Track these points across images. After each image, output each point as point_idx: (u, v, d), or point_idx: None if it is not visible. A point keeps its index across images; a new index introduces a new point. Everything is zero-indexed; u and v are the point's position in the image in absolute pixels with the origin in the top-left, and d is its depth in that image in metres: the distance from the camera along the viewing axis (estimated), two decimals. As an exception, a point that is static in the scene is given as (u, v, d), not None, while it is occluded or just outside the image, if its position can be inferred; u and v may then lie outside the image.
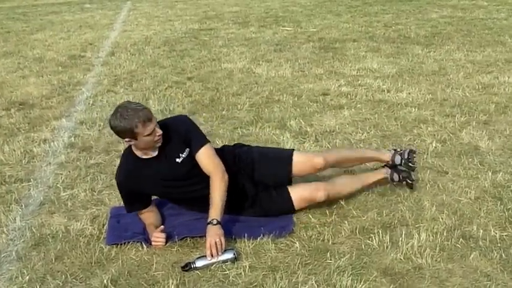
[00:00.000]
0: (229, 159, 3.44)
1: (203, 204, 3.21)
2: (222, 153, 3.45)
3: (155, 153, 3.25)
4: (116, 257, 3.10)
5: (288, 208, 3.46)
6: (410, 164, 3.67)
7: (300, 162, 3.48)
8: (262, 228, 3.25)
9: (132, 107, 3.11)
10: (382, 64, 7.06)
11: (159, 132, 3.15)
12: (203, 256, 3.01)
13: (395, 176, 3.68)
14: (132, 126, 3.06)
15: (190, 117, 3.52)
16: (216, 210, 3.13)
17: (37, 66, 7.83)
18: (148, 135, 3.10)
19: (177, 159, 3.25)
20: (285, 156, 3.52)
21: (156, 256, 3.09)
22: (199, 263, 2.97)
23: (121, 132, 3.12)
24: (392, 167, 3.75)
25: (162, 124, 3.25)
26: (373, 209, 3.48)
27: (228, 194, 3.26)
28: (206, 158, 3.27)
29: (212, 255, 2.98)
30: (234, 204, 3.39)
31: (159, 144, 3.21)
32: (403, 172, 3.67)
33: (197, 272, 2.93)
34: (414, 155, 3.74)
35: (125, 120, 3.06)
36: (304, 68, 7.09)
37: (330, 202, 3.57)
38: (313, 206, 3.56)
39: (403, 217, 3.38)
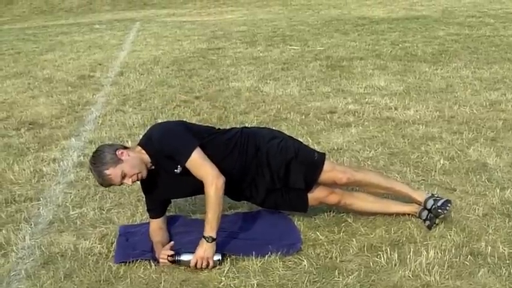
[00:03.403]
0: (250, 150, 3.42)
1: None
2: (242, 140, 3.44)
3: (153, 167, 3.32)
4: (124, 275, 3.11)
5: (301, 209, 3.55)
6: (439, 211, 3.42)
7: (324, 171, 3.48)
8: (270, 246, 3.25)
9: (95, 177, 3.29)
10: (389, 82, 7.08)
11: (128, 182, 3.24)
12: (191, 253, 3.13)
13: (424, 214, 3.50)
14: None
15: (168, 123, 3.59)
16: (211, 224, 3.13)
17: (47, 86, 7.89)
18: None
19: (176, 170, 3.28)
20: (317, 163, 3.50)
21: (164, 274, 3.10)
22: (184, 257, 3.14)
23: None
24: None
25: (147, 141, 3.33)
26: (381, 227, 3.48)
27: (242, 184, 3.40)
28: (193, 169, 3.21)
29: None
30: (246, 194, 3.52)
31: (139, 179, 3.29)
32: (430, 214, 3.46)
33: (205, 290, 2.95)
34: (449, 205, 3.46)
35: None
36: (311, 86, 7.11)
37: (337, 220, 3.59)
38: (321, 223, 3.57)
39: (411, 234, 3.37)
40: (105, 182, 3.25)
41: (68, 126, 6.00)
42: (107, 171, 3.17)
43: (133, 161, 3.23)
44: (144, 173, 3.26)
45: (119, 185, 3.34)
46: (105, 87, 7.72)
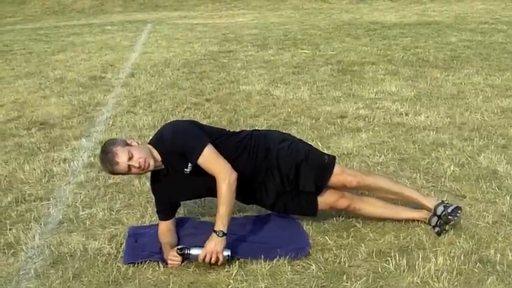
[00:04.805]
0: (260, 153, 3.43)
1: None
2: (252, 143, 3.45)
3: (162, 167, 3.33)
4: (133, 276, 3.12)
5: (311, 213, 3.56)
6: (449, 217, 3.39)
7: (334, 174, 3.49)
8: (278, 250, 3.25)
9: (102, 158, 3.30)
10: (401, 87, 7.06)
11: (135, 164, 3.20)
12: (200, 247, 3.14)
13: (433, 221, 3.47)
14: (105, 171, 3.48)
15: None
16: (222, 219, 3.13)
17: (58, 86, 7.93)
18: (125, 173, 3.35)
19: (186, 170, 3.28)
20: (327, 166, 3.51)
21: (172, 276, 3.11)
22: (194, 251, 3.15)
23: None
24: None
25: (158, 140, 3.35)
26: (390, 232, 3.47)
27: (252, 186, 3.39)
28: (206, 165, 3.22)
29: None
30: (256, 197, 3.51)
31: (147, 170, 3.29)
32: (440, 220, 3.44)
33: (213, 292, 2.95)
34: (459, 212, 3.42)
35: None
36: (322, 90, 7.11)
37: (346, 225, 3.58)
38: (330, 227, 3.57)
39: (420, 241, 3.36)
40: (111, 159, 3.19)
41: (79, 126, 6.03)
42: (114, 149, 3.21)
43: (142, 148, 3.30)
44: (151, 163, 3.24)
45: (126, 171, 3.24)
46: (116, 88, 7.75)
